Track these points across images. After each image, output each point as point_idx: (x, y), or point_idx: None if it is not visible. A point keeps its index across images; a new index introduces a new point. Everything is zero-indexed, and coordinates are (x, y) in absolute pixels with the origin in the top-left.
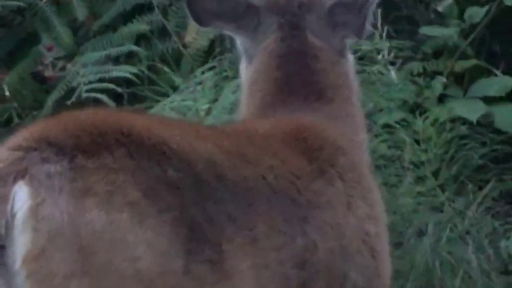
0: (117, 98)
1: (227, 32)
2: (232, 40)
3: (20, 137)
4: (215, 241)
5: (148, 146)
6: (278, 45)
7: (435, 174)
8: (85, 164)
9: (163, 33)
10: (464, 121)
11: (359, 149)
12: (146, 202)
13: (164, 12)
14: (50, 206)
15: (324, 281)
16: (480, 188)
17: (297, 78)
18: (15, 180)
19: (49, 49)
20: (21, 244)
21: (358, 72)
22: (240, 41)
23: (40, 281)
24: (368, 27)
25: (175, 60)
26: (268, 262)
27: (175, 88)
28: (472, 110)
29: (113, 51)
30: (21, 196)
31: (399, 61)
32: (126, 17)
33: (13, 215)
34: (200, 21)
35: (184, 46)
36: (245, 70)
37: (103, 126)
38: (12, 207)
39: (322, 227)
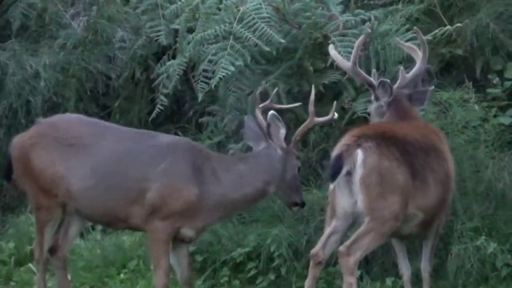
0: None
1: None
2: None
3: (352, 132)
4: (422, 170)
5: (394, 135)
6: (394, 108)
7: None
8: (379, 143)
9: None
10: None
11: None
12: (399, 156)
13: None
14: (369, 158)
15: (447, 183)
16: None
17: (403, 115)
18: (356, 148)
19: None
20: (358, 172)
21: None
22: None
23: (366, 185)
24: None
25: None
26: (436, 177)
27: None
28: None
29: None
30: (359, 154)
31: None
32: None
33: (355, 161)
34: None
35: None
36: (375, 113)
37: (382, 129)
38: (356, 158)
39: (445, 162)
